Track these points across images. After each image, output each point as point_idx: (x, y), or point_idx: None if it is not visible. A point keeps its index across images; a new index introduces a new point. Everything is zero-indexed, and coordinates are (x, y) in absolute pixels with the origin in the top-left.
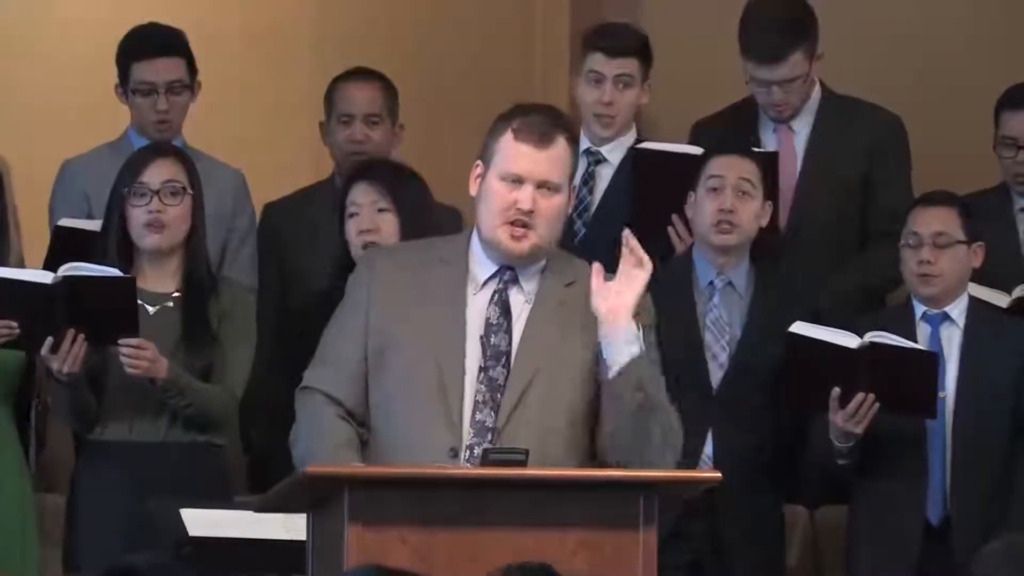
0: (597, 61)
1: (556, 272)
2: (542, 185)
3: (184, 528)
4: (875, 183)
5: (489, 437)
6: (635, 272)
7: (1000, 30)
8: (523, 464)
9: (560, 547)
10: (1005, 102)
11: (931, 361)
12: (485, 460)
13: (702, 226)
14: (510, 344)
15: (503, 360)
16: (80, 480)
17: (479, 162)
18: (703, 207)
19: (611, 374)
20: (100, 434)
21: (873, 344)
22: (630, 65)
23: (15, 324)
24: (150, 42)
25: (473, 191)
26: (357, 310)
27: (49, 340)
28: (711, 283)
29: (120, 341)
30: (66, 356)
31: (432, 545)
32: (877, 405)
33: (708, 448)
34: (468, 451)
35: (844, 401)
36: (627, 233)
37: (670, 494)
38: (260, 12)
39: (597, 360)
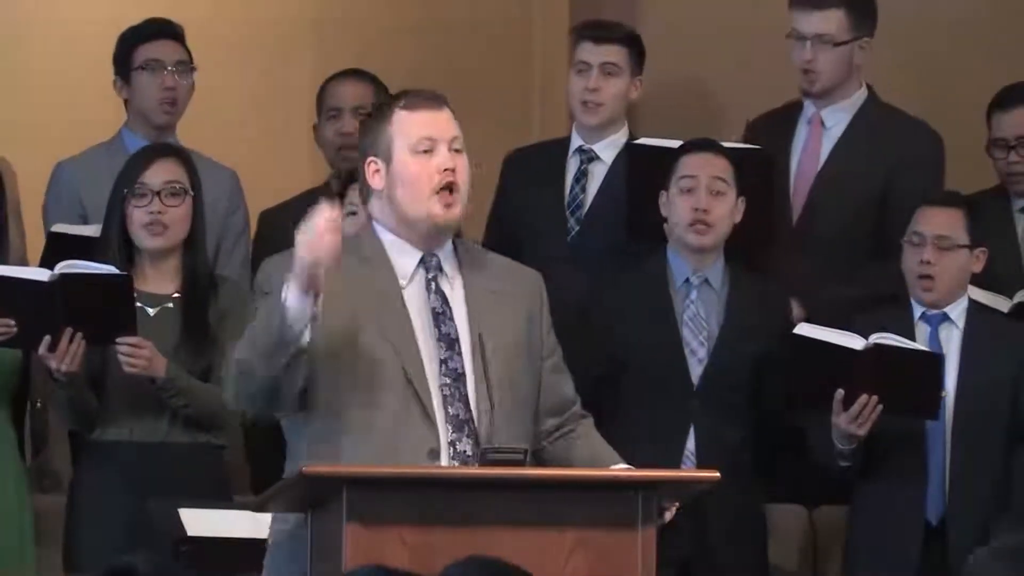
0: (584, 50)
1: (468, 258)
2: (452, 145)
3: (183, 528)
4: (897, 194)
5: (466, 431)
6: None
7: (996, 30)
8: (522, 464)
9: (558, 546)
10: (995, 104)
11: (936, 362)
12: (484, 460)
13: (677, 226)
14: (457, 331)
15: (456, 348)
16: (80, 480)
17: (372, 159)
18: (676, 207)
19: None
20: (100, 434)
21: (877, 345)
22: (616, 53)
23: (12, 322)
24: (155, 27)
25: (378, 185)
26: None
27: (47, 339)
28: (687, 280)
29: (118, 340)
30: (64, 355)
31: (431, 544)
32: (880, 407)
33: (691, 443)
34: (451, 447)
35: (847, 403)
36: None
37: (668, 493)
38: (259, 14)
39: (530, 338)
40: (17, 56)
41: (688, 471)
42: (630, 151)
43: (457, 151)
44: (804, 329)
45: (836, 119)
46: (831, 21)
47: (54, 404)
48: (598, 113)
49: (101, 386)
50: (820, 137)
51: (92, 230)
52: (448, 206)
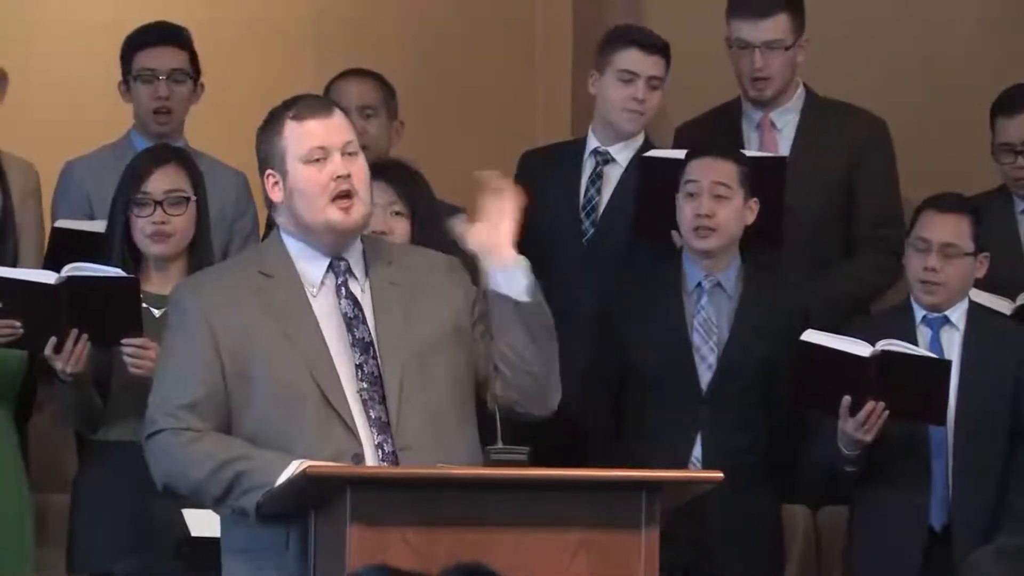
0: (631, 58)
1: (373, 254)
2: (345, 150)
3: (186, 528)
4: (859, 188)
5: (390, 432)
6: (502, 205)
7: (999, 29)
8: (525, 464)
9: (561, 547)
10: (999, 108)
11: (944, 370)
12: (487, 460)
13: (683, 230)
14: (371, 334)
15: (371, 351)
16: (84, 481)
17: (269, 171)
18: (682, 212)
19: (522, 299)
20: (105, 435)
21: (886, 353)
22: (660, 66)
23: (18, 324)
24: (154, 32)
25: (277, 198)
26: (200, 342)
27: (52, 340)
28: (699, 284)
29: (123, 341)
30: (69, 356)
31: (433, 545)
32: (887, 413)
33: (697, 450)
34: (379, 450)
35: (854, 409)
36: (486, 174)
37: (672, 494)
38: (261, 13)
39: (455, 323)
40: (26, 56)
41: (692, 472)
42: (641, 163)
43: (352, 154)
44: (811, 336)
45: (785, 120)
46: (779, 27)
47: (59, 405)
48: (640, 122)
49: (106, 387)
50: (775, 139)
51: (98, 226)
52: (346, 210)
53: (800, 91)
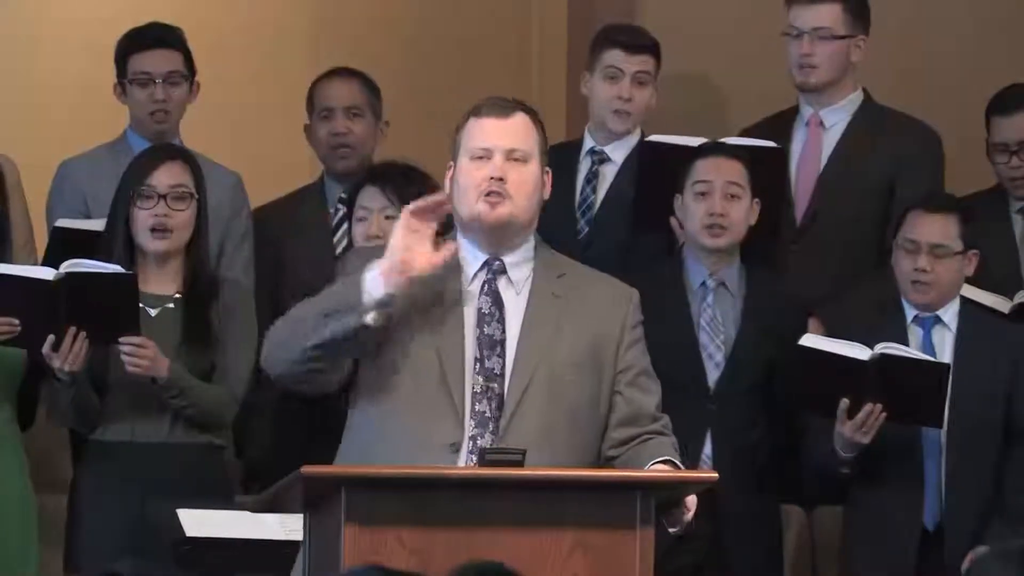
0: (616, 57)
1: (544, 264)
2: (510, 155)
3: (181, 528)
4: (900, 194)
5: (491, 428)
6: None
7: (995, 30)
8: (520, 464)
9: (557, 547)
10: (994, 107)
11: (943, 373)
12: (482, 460)
13: (692, 229)
14: (503, 334)
15: (497, 350)
16: (82, 480)
17: (450, 162)
18: (692, 210)
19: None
20: (102, 434)
21: (884, 356)
22: (647, 63)
23: (16, 321)
24: (148, 35)
25: (448, 188)
26: None
27: (50, 338)
28: (703, 283)
29: (121, 339)
30: (67, 354)
31: (429, 545)
32: (884, 415)
33: (707, 448)
34: (471, 442)
35: (852, 412)
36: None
37: (668, 494)
38: (258, 14)
39: (598, 351)
40: (23, 56)
41: (686, 472)
42: (643, 148)
43: (518, 160)
44: (810, 340)
45: (835, 119)
46: (829, 15)
47: (56, 404)
48: (628, 121)
49: (103, 386)
50: (820, 138)
51: (99, 224)
52: (491, 204)
53: (857, 93)
